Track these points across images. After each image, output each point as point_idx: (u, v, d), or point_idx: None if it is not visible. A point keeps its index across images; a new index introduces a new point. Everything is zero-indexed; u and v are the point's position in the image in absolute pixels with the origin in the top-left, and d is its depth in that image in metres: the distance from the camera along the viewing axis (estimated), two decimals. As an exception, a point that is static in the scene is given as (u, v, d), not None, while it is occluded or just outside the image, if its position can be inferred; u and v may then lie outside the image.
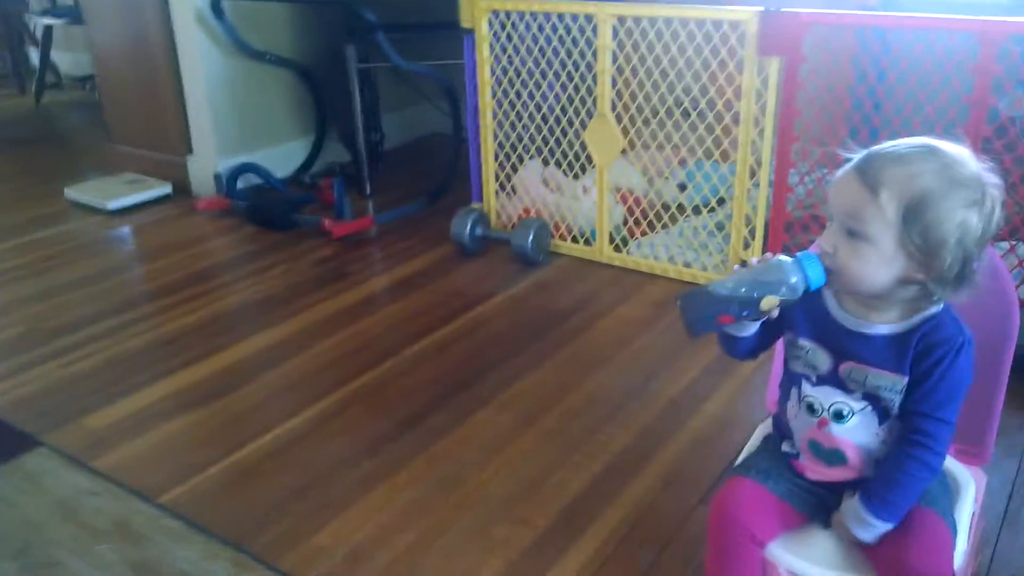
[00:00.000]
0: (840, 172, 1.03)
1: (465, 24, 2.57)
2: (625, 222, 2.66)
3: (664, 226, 2.57)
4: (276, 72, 3.37)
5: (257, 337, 2.24)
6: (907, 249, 0.98)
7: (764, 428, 1.30)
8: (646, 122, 2.45)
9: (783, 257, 1.04)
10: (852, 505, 1.07)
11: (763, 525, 1.10)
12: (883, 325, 1.05)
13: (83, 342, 2.23)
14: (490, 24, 2.55)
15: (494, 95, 2.63)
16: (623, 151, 2.58)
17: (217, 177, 3.27)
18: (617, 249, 2.59)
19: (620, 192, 2.72)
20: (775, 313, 1.05)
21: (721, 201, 2.68)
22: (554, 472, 1.67)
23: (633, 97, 2.44)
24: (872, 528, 1.05)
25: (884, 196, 0.97)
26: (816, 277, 1.02)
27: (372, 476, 1.69)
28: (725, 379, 1.94)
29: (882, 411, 1.08)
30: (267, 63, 3.29)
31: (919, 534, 1.04)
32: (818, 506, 1.15)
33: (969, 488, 1.22)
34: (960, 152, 1.00)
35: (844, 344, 1.08)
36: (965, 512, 1.18)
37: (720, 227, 2.55)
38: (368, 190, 3.27)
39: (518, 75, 2.58)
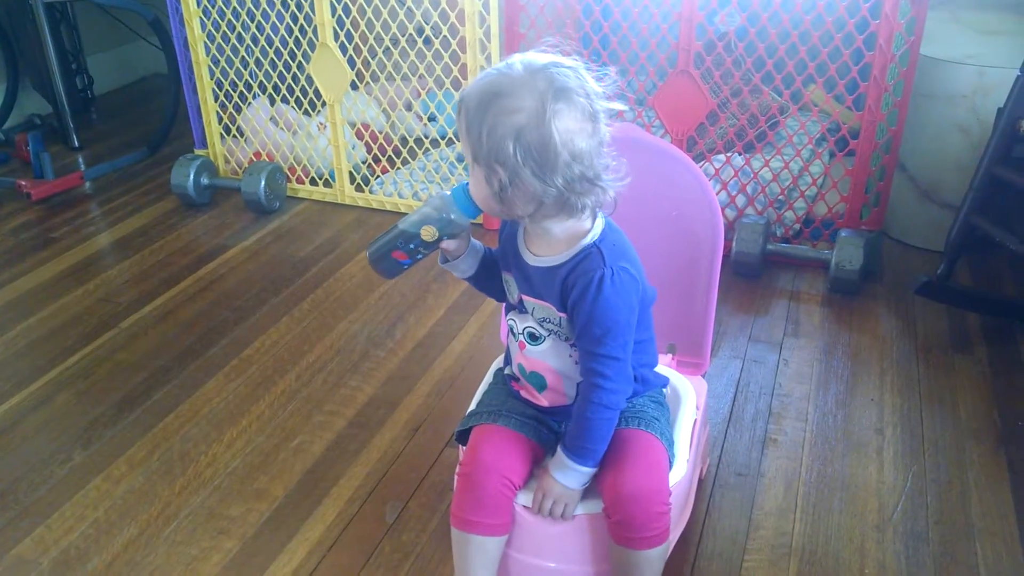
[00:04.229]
0: None
1: (160, -53, 2.29)
2: (364, 160, 2.53)
3: (405, 161, 2.47)
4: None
5: (-63, 325, 1.92)
6: (480, 161, 0.95)
7: (497, 363, 1.28)
8: (371, 51, 2.31)
9: (445, 192, 1.04)
10: (557, 455, 1.07)
11: (518, 469, 1.08)
12: (543, 258, 1.04)
13: None
14: (190, -53, 2.28)
15: (205, 27, 2.38)
16: (355, 84, 2.43)
17: None
18: (359, 188, 2.46)
19: (356, 127, 2.58)
20: (449, 245, 1.06)
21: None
22: (293, 436, 1.56)
23: (355, 25, 2.29)
24: (576, 473, 1.05)
25: (461, 113, 0.96)
26: (463, 205, 1.02)
27: (85, 470, 1.49)
28: (470, 316, 1.90)
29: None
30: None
31: (634, 456, 1.05)
32: (547, 437, 1.14)
33: (688, 399, 1.26)
34: (519, 61, 0.94)
35: (523, 276, 1.07)
36: (686, 423, 1.21)
37: (460, 159, 2.49)
38: (76, 142, 2.90)
39: (227, 3, 2.33)
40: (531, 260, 1.04)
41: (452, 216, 1.03)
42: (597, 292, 0.98)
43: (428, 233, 1.03)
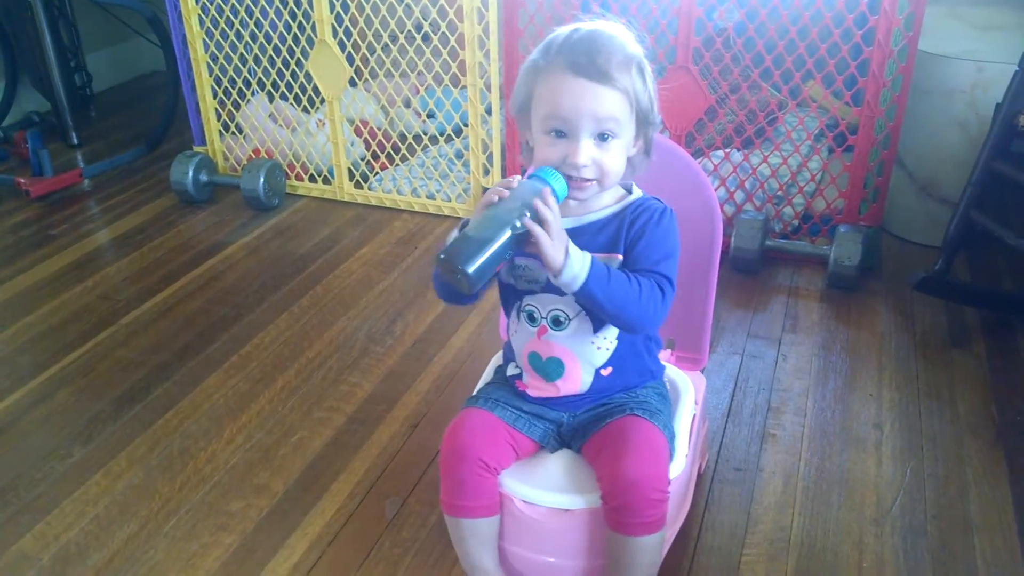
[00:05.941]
0: (555, 83, 0.98)
1: (158, -56, 2.29)
2: (363, 157, 2.53)
3: (404, 158, 2.48)
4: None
5: (-63, 322, 1.92)
6: (637, 122, 1.02)
7: (497, 359, 1.28)
8: (370, 48, 2.31)
9: (524, 180, 0.98)
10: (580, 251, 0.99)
11: (494, 452, 1.08)
12: (596, 212, 1.07)
13: None
14: (188, -56, 2.28)
15: (203, 24, 2.38)
16: (354, 80, 2.43)
17: None
18: (358, 185, 2.46)
19: (354, 124, 2.58)
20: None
21: (460, 129, 2.62)
22: (293, 432, 1.56)
23: (354, 21, 2.29)
24: (569, 267, 0.95)
25: (621, 83, 0.98)
26: (561, 189, 0.99)
27: (85, 466, 1.50)
28: (469, 312, 1.90)
29: (598, 320, 1.07)
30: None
31: (637, 444, 1.04)
32: (545, 432, 1.14)
33: (687, 394, 1.26)
34: (616, 26, 1.04)
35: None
36: (684, 418, 1.22)
37: (459, 155, 2.49)
38: (75, 139, 2.90)
39: (226, 0, 2.33)
40: (586, 219, 1.06)
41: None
42: (659, 221, 1.05)
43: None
